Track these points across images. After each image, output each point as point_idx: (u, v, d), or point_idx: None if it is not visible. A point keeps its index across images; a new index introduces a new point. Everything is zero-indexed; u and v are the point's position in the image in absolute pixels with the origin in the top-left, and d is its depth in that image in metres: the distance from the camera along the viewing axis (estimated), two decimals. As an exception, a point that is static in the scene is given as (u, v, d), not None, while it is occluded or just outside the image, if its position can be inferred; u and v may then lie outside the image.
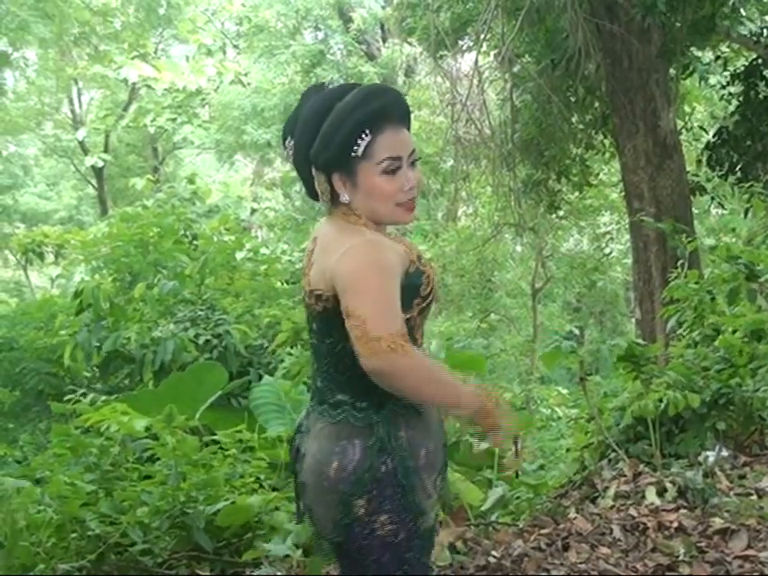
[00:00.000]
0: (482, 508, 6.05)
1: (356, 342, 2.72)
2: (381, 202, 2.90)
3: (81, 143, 31.21)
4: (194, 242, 14.24)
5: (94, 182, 32.43)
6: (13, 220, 35.54)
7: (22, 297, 27.94)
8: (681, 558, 5.15)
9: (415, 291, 2.88)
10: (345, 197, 2.90)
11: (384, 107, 2.88)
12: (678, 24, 12.07)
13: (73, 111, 33.89)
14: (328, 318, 2.89)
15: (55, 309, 14.26)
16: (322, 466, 2.89)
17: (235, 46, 32.98)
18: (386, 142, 2.86)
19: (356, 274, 2.76)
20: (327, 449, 2.90)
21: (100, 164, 29.74)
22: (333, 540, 2.95)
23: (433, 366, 2.82)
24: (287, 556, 5.00)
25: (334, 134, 2.83)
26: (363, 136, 2.83)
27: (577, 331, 27.98)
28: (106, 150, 30.62)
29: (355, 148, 2.83)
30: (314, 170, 2.91)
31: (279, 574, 5.01)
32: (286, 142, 2.99)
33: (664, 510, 5.80)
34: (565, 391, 19.54)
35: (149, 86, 28.86)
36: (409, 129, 2.98)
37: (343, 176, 2.88)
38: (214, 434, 6.43)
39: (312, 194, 3.02)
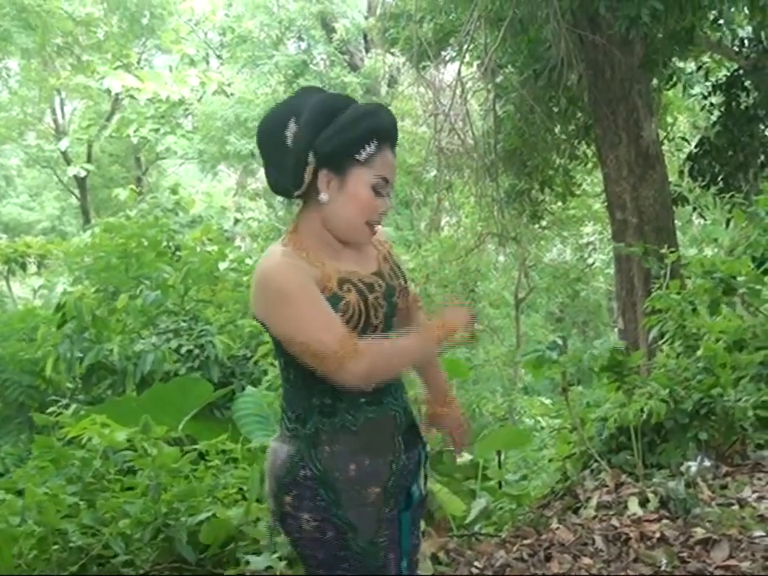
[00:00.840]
0: (466, 521, 6.06)
1: (313, 367, 2.85)
2: (357, 213, 2.93)
3: (63, 153, 31.13)
4: (177, 253, 14.21)
5: (76, 192, 32.35)
6: (-5, 230, 35.49)
7: (3, 307, 27.82)
8: (663, 568, 5.16)
9: None
10: (324, 196, 2.91)
11: (390, 125, 2.96)
12: (660, 35, 12.12)
13: (55, 121, 33.82)
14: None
15: (37, 320, 14.18)
16: (266, 459, 3.06)
17: (218, 57, 33.01)
18: (384, 161, 2.93)
19: (274, 304, 2.85)
20: (271, 445, 3.06)
21: (83, 174, 29.68)
22: (274, 528, 3.10)
23: (384, 346, 2.89)
24: (269, 567, 5.00)
25: (347, 129, 2.85)
26: (371, 143, 2.88)
27: (560, 341, 28.01)
28: (88, 161, 30.57)
29: (361, 151, 2.87)
30: (310, 157, 2.87)
31: (261, 585, 5.02)
32: (289, 123, 2.91)
33: (646, 521, 5.81)
34: (548, 402, 19.56)
35: (132, 96, 28.81)
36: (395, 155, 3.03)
37: (332, 174, 2.89)
38: (197, 445, 6.43)
39: (286, 184, 2.98)
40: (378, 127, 2.89)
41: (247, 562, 5.04)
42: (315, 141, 2.86)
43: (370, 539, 2.94)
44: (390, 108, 3.09)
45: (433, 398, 3.38)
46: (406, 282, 3.18)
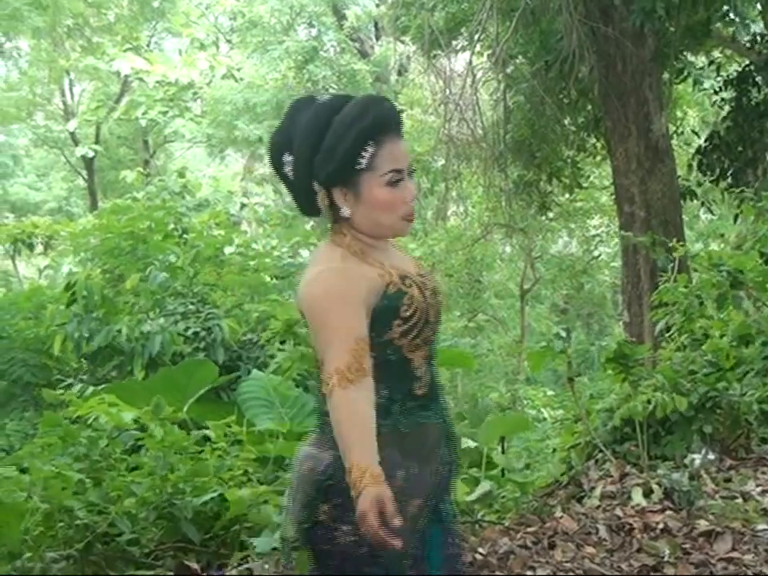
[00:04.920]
0: (467, 498, 6.05)
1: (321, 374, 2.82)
2: (385, 214, 2.89)
3: (72, 134, 31.10)
4: (184, 236, 14.22)
5: (84, 173, 32.34)
6: (2, 210, 35.46)
7: (9, 287, 27.87)
8: (666, 558, 5.18)
9: (394, 313, 2.86)
10: (346, 211, 2.88)
11: (383, 118, 2.88)
12: (673, 29, 12.12)
13: (64, 102, 33.77)
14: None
15: (44, 299, 14.23)
16: (300, 465, 2.94)
17: (228, 41, 32.99)
18: (388, 154, 2.86)
19: (314, 308, 2.83)
20: (306, 451, 2.95)
21: (90, 155, 29.66)
22: (295, 540, 2.94)
23: (366, 420, 2.75)
24: (275, 549, 5.02)
25: (336, 147, 2.80)
26: (367, 148, 2.82)
27: (564, 333, 28.03)
28: (96, 142, 30.55)
29: (359, 160, 2.82)
30: (315, 185, 2.87)
31: (266, 566, 5.03)
32: (283, 157, 2.93)
33: (650, 511, 5.83)
34: (551, 393, 19.59)
35: (141, 79, 28.79)
36: (402, 138, 2.97)
37: (344, 189, 2.86)
38: (202, 427, 6.44)
39: (307, 210, 3.00)
40: (368, 129, 2.82)
41: (253, 546, 5.06)
42: (312, 169, 2.85)
43: (404, 552, 2.78)
44: (379, 97, 3.01)
45: None
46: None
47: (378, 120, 2.86)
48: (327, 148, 2.82)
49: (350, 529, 2.78)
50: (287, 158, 2.91)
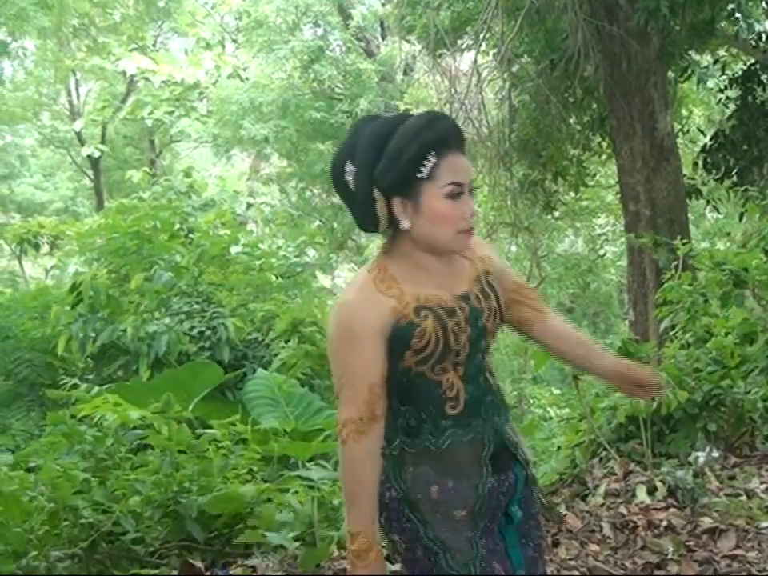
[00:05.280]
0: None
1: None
2: (443, 228, 2.85)
3: (78, 134, 31.17)
4: (190, 236, 14.24)
5: (90, 173, 32.41)
6: (8, 210, 35.49)
7: (15, 287, 27.89)
8: (669, 556, 5.18)
9: (405, 345, 2.84)
10: (405, 223, 2.85)
11: (447, 131, 2.86)
12: (678, 27, 12.12)
13: (70, 102, 33.85)
14: None
15: (49, 299, 14.25)
16: None
17: (234, 41, 32.99)
18: (450, 167, 2.83)
19: (330, 346, 2.92)
20: None
21: (97, 154, 29.74)
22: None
23: (372, 481, 2.88)
24: (281, 546, 5.03)
25: (400, 155, 2.79)
26: (429, 158, 2.80)
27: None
28: (102, 142, 30.60)
29: (421, 169, 2.79)
30: (375, 193, 2.84)
31: (270, 564, 5.04)
32: (345, 167, 2.89)
33: (654, 509, 5.83)
34: (557, 391, 19.56)
35: (147, 79, 28.88)
36: (464, 156, 2.94)
37: (405, 199, 2.83)
38: (207, 426, 6.45)
39: (365, 222, 2.97)
40: (430, 139, 2.80)
41: (263, 535, 5.06)
42: (374, 176, 2.82)
43: (463, 561, 2.86)
44: (443, 114, 3.04)
45: (613, 375, 3.32)
46: (498, 303, 3.05)
47: (442, 132, 2.84)
48: (390, 154, 2.80)
49: (401, 537, 2.90)
50: (349, 167, 2.88)
